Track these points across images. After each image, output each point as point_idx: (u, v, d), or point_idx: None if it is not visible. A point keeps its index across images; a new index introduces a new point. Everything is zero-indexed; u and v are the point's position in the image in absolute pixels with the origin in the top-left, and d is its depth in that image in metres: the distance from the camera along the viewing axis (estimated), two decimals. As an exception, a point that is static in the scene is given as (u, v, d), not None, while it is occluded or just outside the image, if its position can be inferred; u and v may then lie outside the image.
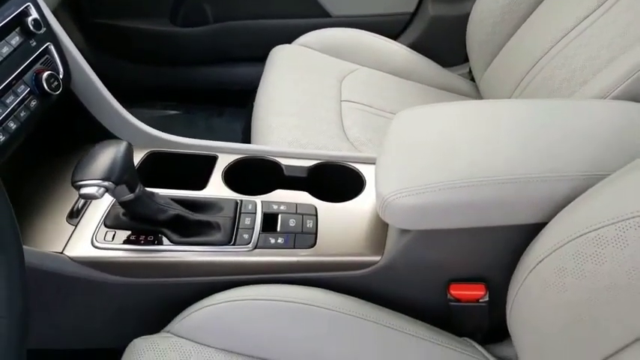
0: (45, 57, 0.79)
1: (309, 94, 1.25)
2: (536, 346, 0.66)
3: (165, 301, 0.76)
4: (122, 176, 0.65)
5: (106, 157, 0.65)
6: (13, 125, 0.71)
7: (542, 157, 0.67)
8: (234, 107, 1.79)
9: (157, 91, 1.78)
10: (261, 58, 1.44)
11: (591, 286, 0.57)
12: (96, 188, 0.63)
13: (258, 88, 1.32)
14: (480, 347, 0.78)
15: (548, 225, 0.65)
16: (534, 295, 0.64)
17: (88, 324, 0.81)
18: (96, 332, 0.83)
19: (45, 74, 0.76)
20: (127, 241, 0.74)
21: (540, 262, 0.63)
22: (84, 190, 0.63)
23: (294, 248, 0.75)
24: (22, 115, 0.73)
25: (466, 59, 1.48)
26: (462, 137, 0.71)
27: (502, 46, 1.29)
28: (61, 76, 0.80)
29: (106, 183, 0.63)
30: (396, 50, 1.46)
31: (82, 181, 0.63)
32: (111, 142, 0.68)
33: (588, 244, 0.57)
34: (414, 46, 1.51)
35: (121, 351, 0.72)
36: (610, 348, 0.57)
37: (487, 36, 1.31)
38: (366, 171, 0.89)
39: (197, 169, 0.88)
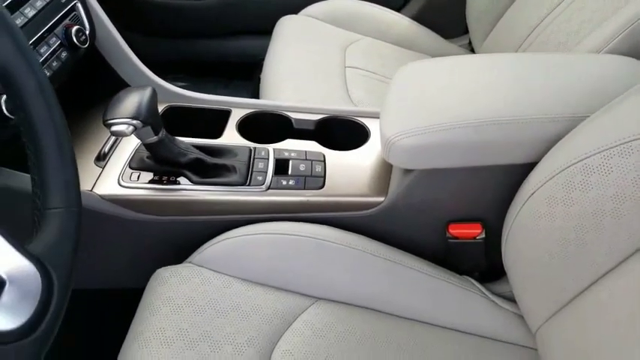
0: (73, 13, 0.85)
1: (315, 62, 1.30)
2: (528, 278, 0.73)
3: (185, 238, 0.82)
4: (148, 117, 0.71)
5: (133, 99, 0.71)
6: (46, 73, 0.77)
7: (536, 101, 0.73)
8: (240, 80, 1.84)
9: (164, 63, 1.82)
10: (267, 32, 1.49)
11: (579, 213, 0.63)
12: (125, 126, 0.69)
13: (266, 57, 1.37)
14: (478, 284, 0.84)
15: (540, 161, 0.71)
16: (527, 226, 0.70)
17: (114, 262, 0.87)
18: (121, 271, 0.89)
19: (74, 29, 0.82)
20: (150, 182, 0.80)
21: (532, 194, 0.69)
22: (114, 128, 0.69)
23: (304, 189, 0.81)
24: (54, 64, 0.79)
25: (466, 31, 1.53)
26: (461, 84, 0.77)
27: (500, 16, 1.34)
28: (87, 32, 0.86)
29: (134, 121, 0.69)
30: (398, 21, 1.51)
31: (113, 119, 0.69)
32: (138, 87, 0.74)
33: (576, 174, 0.63)
34: (416, 18, 1.56)
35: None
36: (596, 272, 0.63)
37: (486, 7, 1.36)
38: (371, 124, 0.94)
39: (212, 122, 0.93)
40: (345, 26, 1.47)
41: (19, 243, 0.44)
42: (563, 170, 0.65)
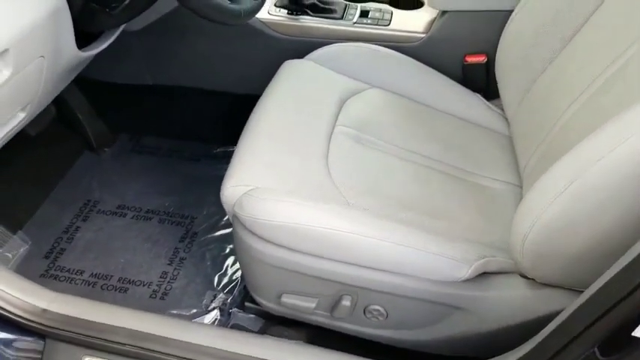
0: None
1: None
2: (508, 72, 1.19)
3: (302, 51, 1.34)
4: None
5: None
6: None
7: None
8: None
9: None
10: None
11: (535, 26, 1.10)
12: (279, -31, 1.23)
13: None
14: (482, 98, 1.31)
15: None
16: (509, 37, 1.17)
17: (251, 70, 1.41)
18: (252, 78, 1.41)
19: None
20: (287, 14, 1.34)
21: (513, 19, 1.16)
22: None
23: (377, 25, 1.33)
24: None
25: None
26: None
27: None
28: None
29: (283, -32, 1.23)
30: None
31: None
32: None
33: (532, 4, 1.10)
34: None
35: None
36: (549, 58, 1.09)
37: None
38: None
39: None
40: None
41: None
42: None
